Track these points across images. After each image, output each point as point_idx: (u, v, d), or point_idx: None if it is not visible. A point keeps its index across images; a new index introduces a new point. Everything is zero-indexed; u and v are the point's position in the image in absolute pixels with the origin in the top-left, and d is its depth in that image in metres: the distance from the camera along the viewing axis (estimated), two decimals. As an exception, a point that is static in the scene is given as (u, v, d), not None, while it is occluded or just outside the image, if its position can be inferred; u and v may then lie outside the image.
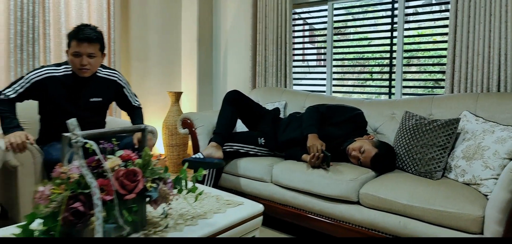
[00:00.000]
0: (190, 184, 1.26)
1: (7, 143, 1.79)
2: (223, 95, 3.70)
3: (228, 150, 2.32)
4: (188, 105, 3.67)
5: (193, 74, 3.68)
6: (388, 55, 2.84)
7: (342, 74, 3.14)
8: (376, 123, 2.37)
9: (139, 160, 1.20)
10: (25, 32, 2.65)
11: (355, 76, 3.15)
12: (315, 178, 1.94)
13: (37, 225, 1.06)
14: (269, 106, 2.76)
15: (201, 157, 2.22)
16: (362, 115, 2.24)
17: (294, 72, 3.25)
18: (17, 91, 1.95)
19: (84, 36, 1.89)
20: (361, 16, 3.03)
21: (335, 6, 3.07)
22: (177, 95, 3.46)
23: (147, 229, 1.20)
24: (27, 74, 2.01)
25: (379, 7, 2.90)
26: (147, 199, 1.21)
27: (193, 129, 2.59)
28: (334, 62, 3.10)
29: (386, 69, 2.88)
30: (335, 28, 3.11)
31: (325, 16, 3.13)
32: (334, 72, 3.11)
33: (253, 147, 2.36)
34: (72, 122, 1.10)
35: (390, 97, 2.87)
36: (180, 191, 1.21)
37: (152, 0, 3.53)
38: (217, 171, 2.30)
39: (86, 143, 1.10)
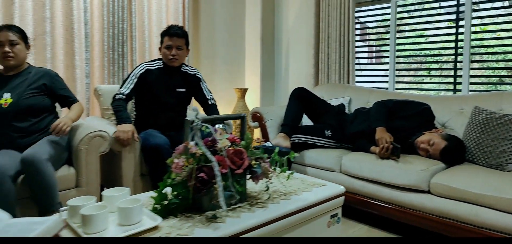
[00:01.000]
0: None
1: (117, 136, 2.14)
2: (285, 91, 3.90)
3: (296, 141, 2.51)
4: (252, 100, 3.91)
5: (257, 72, 3.90)
6: (452, 51, 2.86)
7: (406, 71, 3.20)
8: (443, 117, 2.42)
9: (243, 142, 1.42)
10: (116, 35, 3.02)
11: (418, 72, 3.19)
12: (384, 168, 2.07)
13: (167, 190, 1.31)
14: (334, 102, 2.90)
15: (270, 145, 2.43)
16: (430, 110, 2.31)
17: (356, 70, 3.35)
18: (129, 87, 2.37)
19: (174, 32, 2.38)
20: (424, 12, 3.07)
21: (399, 3, 3.13)
22: (243, 91, 3.70)
23: (249, 201, 1.42)
24: (131, 72, 2.44)
25: (444, 4, 2.92)
26: (248, 175, 1.43)
27: (263, 122, 2.80)
28: (396, 59, 3.16)
29: (450, 65, 2.90)
30: (398, 25, 3.18)
31: (388, 14, 3.20)
32: (397, 69, 3.18)
33: (320, 138, 2.52)
34: (194, 108, 1.35)
35: (454, 92, 2.89)
36: (283, 170, 1.42)
37: (219, 2, 3.80)
38: (287, 159, 2.49)
39: (203, 126, 1.34)
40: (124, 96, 2.34)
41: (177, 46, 2.38)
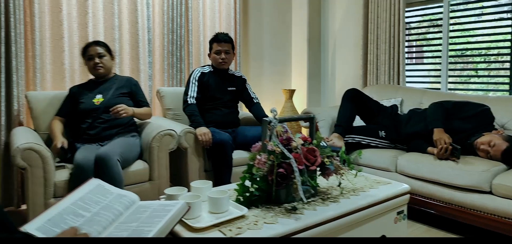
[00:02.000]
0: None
1: (198, 136, 2.39)
2: (332, 92, 3.96)
3: (350, 141, 2.57)
4: (299, 101, 4.00)
5: (303, 73, 3.99)
6: (508, 51, 2.81)
7: (459, 70, 3.16)
8: (503, 119, 2.40)
9: (314, 141, 1.53)
10: (175, 40, 3.22)
11: (471, 73, 3.15)
12: (443, 169, 2.09)
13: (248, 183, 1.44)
14: (385, 103, 2.93)
15: (324, 145, 2.51)
16: (489, 111, 2.30)
17: (407, 70, 3.35)
18: (195, 91, 2.63)
19: (222, 38, 2.68)
20: (478, 11, 3.03)
21: (451, 2, 3.11)
22: (291, 92, 3.81)
23: (320, 195, 1.52)
24: (190, 77, 2.69)
25: (498, 2, 2.87)
26: (319, 172, 1.53)
27: (315, 122, 2.89)
28: (450, 58, 3.14)
29: (507, 65, 2.84)
30: (451, 24, 3.15)
31: (440, 13, 3.18)
32: (450, 69, 3.15)
33: (374, 139, 2.58)
34: (273, 110, 1.47)
35: (511, 93, 2.84)
36: (351, 167, 1.51)
37: (267, 5, 3.93)
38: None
39: (280, 126, 1.46)
40: (195, 101, 2.59)
41: (225, 50, 2.66)
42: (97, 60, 2.34)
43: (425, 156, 2.25)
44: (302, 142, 1.49)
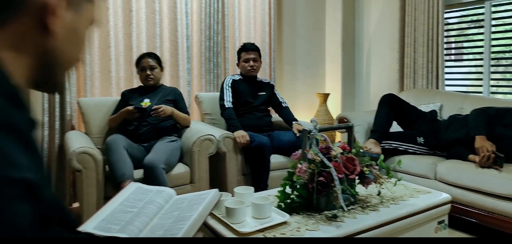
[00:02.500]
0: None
1: (236, 139, 2.52)
2: (367, 96, 3.93)
3: (387, 147, 2.56)
4: (333, 105, 4.00)
5: (338, 76, 3.99)
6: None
7: (503, 74, 3.06)
8: (551, 125, 2.30)
9: (353, 150, 1.56)
10: (212, 47, 3.33)
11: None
12: (486, 177, 2.05)
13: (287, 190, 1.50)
14: (423, 108, 2.88)
15: (361, 151, 2.52)
16: (536, 118, 2.22)
17: (446, 73, 3.27)
18: (230, 95, 2.78)
19: (249, 47, 2.88)
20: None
21: (493, 2, 3.01)
22: (325, 96, 3.82)
23: (359, 203, 1.55)
24: (223, 84, 2.85)
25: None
26: (357, 180, 1.56)
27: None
28: (492, 61, 3.04)
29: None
30: (494, 25, 3.05)
31: (482, 14, 3.09)
32: (492, 72, 3.05)
33: (412, 145, 2.55)
34: (313, 120, 1.52)
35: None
36: (390, 176, 1.53)
37: (300, 9, 3.96)
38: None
39: (319, 135, 1.51)
40: (231, 105, 2.73)
41: (253, 58, 2.85)
42: (148, 72, 2.57)
43: (466, 164, 2.21)
44: (341, 151, 1.53)
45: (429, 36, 3.21)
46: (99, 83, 2.95)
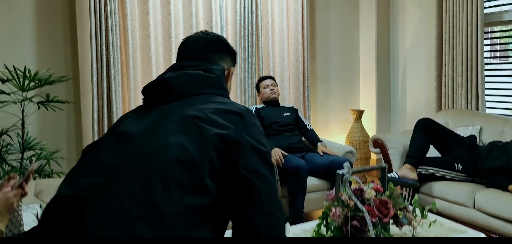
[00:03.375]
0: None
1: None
2: (402, 113, 3.88)
3: (423, 172, 2.55)
4: (367, 122, 3.98)
5: (372, 93, 3.97)
6: None
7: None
8: None
9: (387, 192, 1.60)
10: (247, 68, 3.44)
11: None
12: (527, 211, 2.00)
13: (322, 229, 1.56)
14: (461, 130, 2.83)
15: (396, 176, 2.52)
16: None
17: (487, 94, 3.17)
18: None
19: (266, 76, 3.22)
20: None
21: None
22: (359, 113, 3.82)
23: (393, 244, 1.58)
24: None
25: None
26: (391, 221, 1.59)
27: (385, 149, 2.90)
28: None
29: None
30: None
31: (526, 33, 2.97)
32: (537, 93, 2.93)
33: (449, 171, 2.51)
34: (346, 165, 1.57)
35: None
36: (424, 216, 1.56)
37: (334, 26, 3.97)
38: (413, 191, 2.55)
39: (352, 178, 1.56)
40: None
41: (272, 83, 3.10)
42: None
43: (506, 194, 2.17)
44: (375, 193, 1.57)
45: (468, 55, 3.12)
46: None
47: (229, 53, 1.11)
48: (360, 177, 1.68)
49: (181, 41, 1.13)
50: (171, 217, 0.72)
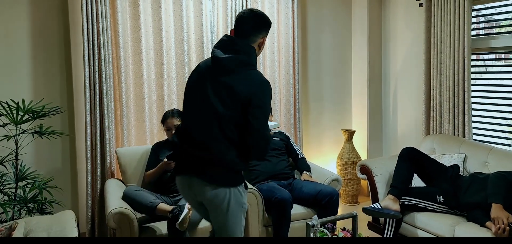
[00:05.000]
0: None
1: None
2: (393, 135, 3.92)
3: (406, 203, 2.59)
4: (359, 142, 4.03)
5: (364, 113, 4.01)
6: None
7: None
8: None
9: (357, 240, 1.66)
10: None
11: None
12: (502, 249, 2.04)
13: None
14: (446, 157, 2.87)
15: (379, 207, 2.57)
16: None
17: (474, 122, 3.20)
18: None
19: None
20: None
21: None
22: (350, 133, 3.86)
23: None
24: None
25: None
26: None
27: (371, 175, 2.94)
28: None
29: None
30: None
31: (511, 59, 3.00)
32: (522, 121, 2.96)
33: (431, 203, 2.55)
34: (315, 218, 1.64)
35: None
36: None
37: (326, 46, 4.01)
38: (396, 222, 2.60)
39: (322, 230, 1.63)
40: None
41: None
42: (173, 131, 2.73)
43: (484, 230, 2.21)
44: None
45: (455, 81, 3.15)
46: (135, 131, 3.23)
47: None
48: (332, 223, 1.74)
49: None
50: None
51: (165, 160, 2.71)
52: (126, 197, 2.50)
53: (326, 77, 4.05)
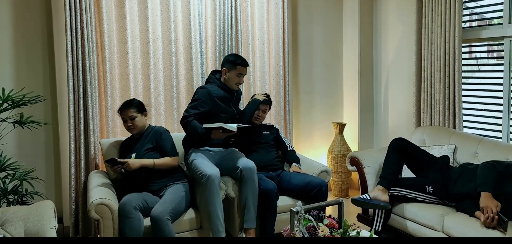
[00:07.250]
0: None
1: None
2: (384, 128, 3.89)
3: (395, 194, 2.55)
4: (350, 135, 3.99)
5: (355, 106, 3.97)
6: None
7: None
8: None
9: (340, 230, 1.61)
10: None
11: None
12: (490, 237, 2.01)
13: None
14: (436, 149, 2.84)
15: (368, 198, 2.53)
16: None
17: (464, 114, 3.17)
18: None
19: (267, 99, 3.10)
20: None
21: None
22: (341, 126, 3.82)
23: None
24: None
25: None
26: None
27: (361, 167, 2.90)
28: (513, 101, 2.91)
29: None
30: (515, 64, 2.92)
31: (501, 51, 2.97)
32: (513, 112, 2.93)
33: (421, 194, 2.52)
34: (299, 204, 1.59)
35: None
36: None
37: (317, 38, 3.97)
38: (385, 213, 2.56)
39: (306, 216, 1.57)
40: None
41: (263, 109, 3.02)
42: (129, 123, 2.62)
43: (473, 220, 2.17)
44: (328, 230, 1.58)
45: (445, 72, 3.12)
46: (120, 123, 3.15)
47: None
48: (318, 210, 1.69)
49: None
50: None
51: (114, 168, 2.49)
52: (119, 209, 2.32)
53: (317, 70, 4.01)
